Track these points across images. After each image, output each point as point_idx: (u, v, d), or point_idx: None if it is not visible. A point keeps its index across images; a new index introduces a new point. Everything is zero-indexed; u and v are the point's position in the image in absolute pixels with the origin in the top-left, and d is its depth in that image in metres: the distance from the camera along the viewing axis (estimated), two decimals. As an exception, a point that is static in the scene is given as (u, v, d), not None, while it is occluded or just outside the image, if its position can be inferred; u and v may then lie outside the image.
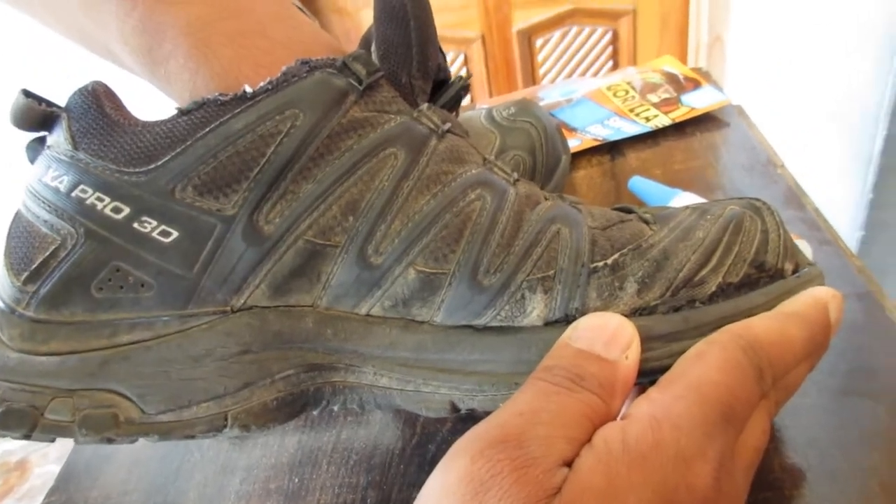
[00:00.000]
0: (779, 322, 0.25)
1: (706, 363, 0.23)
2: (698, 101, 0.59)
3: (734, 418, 0.22)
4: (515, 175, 0.29)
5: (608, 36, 1.54)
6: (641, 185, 0.49)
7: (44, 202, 0.25)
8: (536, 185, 0.48)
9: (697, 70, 0.65)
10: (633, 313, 0.25)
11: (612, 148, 0.57)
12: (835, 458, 0.29)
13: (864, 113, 0.89)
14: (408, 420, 0.36)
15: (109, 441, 0.25)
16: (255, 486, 0.35)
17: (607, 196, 0.52)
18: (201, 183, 0.24)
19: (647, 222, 0.28)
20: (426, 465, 0.34)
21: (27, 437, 0.25)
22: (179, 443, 0.39)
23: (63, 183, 0.25)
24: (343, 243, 0.25)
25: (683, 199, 0.45)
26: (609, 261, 0.26)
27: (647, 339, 0.25)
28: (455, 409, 0.26)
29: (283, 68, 0.25)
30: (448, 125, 0.28)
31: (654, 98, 0.61)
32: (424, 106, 0.27)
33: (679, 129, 0.57)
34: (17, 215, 0.26)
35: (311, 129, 0.25)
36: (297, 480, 0.35)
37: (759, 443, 0.23)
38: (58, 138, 0.25)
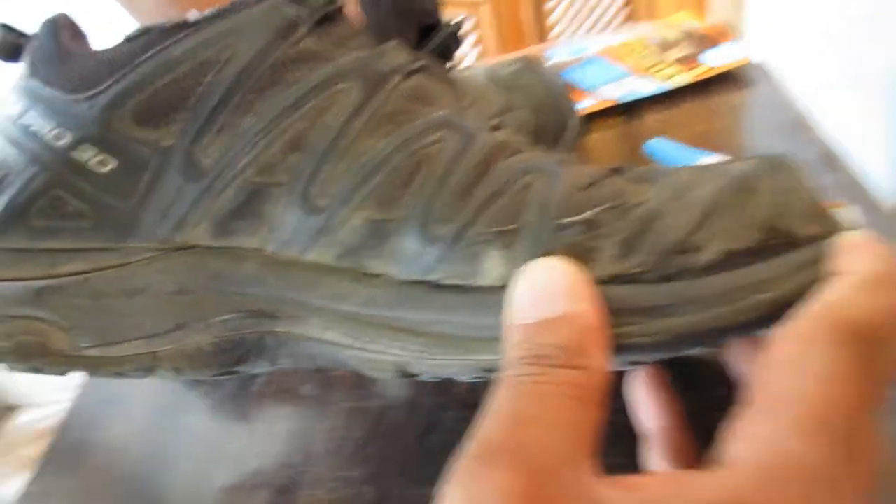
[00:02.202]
0: (861, 290, 0.20)
1: (808, 374, 0.18)
2: (719, 59, 0.54)
3: (859, 439, 0.17)
4: (495, 122, 0.25)
5: (622, -2, 1.47)
6: (660, 148, 0.45)
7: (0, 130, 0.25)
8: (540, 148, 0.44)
9: (718, 26, 0.60)
10: (611, 280, 0.22)
11: (628, 109, 0.53)
12: None
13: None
14: (408, 406, 0.33)
15: (37, 370, 0.25)
16: (243, 479, 0.32)
17: (622, 161, 0.47)
18: (139, 111, 0.24)
19: (635, 181, 0.24)
20: (428, 457, 0.31)
21: None
22: (163, 428, 0.37)
23: (15, 110, 0.25)
24: (286, 183, 0.24)
25: (706, 162, 0.41)
26: (583, 216, 0.22)
27: (626, 312, 0.21)
28: (404, 372, 0.24)
29: None
30: (419, 64, 0.24)
31: (672, 55, 0.56)
32: (391, 43, 0.24)
33: (699, 88, 0.53)
34: None
35: (252, 58, 0.24)
36: (288, 473, 0.32)
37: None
38: (21, 67, 0.26)
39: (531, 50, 0.66)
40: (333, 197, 0.24)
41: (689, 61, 0.55)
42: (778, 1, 1.12)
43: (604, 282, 0.21)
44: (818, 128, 0.46)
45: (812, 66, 0.82)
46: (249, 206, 0.24)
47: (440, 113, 0.25)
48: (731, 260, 0.22)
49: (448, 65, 0.32)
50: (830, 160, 0.43)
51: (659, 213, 0.22)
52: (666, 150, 0.44)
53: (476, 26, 1.52)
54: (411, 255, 0.23)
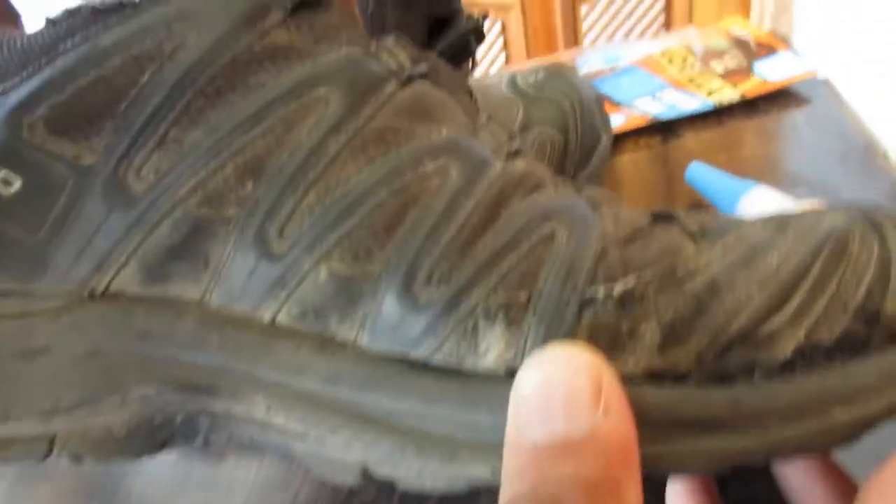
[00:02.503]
0: None
1: None
2: (774, 72, 0.48)
3: None
4: (516, 145, 0.20)
5: (660, 4, 1.41)
6: (702, 174, 0.39)
7: None
8: (568, 170, 0.38)
9: (773, 34, 0.53)
10: (650, 379, 0.16)
11: (666, 127, 0.46)
12: None
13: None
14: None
15: None
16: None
17: (656, 188, 0.41)
18: (54, 117, 0.18)
19: (692, 235, 0.18)
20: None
21: None
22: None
23: None
24: (237, 218, 0.19)
25: (759, 194, 0.35)
26: (619, 288, 0.17)
27: (669, 424, 0.16)
28: (368, 476, 0.18)
29: None
30: (421, 67, 0.19)
31: (718, 67, 0.50)
32: (388, 38, 0.18)
33: (750, 106, 0.47)
34: None
35: (205, 52, 0.18)
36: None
37: None
38: None
39: (560, 56, 0.61)
40: (296, 240, 0.18)
41: (738, 74, 0.49)
42: (831, 7, 1.04)
43: (641, 381, 0.16)
44: (889, 157, 0.40)
45: (873, 83, 0.75)
46: (190, 246, 0.19)
47: (444, 134, 0.19)
48: (815, 356, 0.16)
49: (466, 69, 0.27)
50: (906, 196, 0.36)
51: (722, 286, 0.16)
52: (708, 179, 0.38)
53: (502, 31, 1.47)
54: (390, 322, 0.18)
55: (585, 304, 0.17)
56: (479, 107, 0.22)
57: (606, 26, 1.44)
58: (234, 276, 0.19)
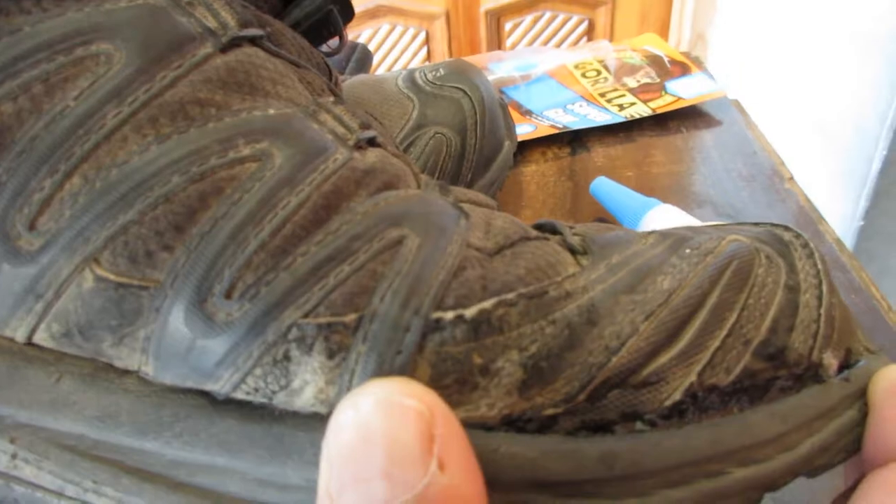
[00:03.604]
0: None
1: None
2: (686, 91, 0.47)
3: None
4: (371, 134, 0.16)
5: (583, 25, 1.42)
6: (607, 189, 0.37)
7: None
8: (465, 176, 0.35)
9: (687, 54, 0.52)
10: (505, 426, 0.13)
11: (574, 139, 0.44)
12: None
13: (861, 130, 0.78)
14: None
15: None
16: None
17: (562, 201, 0.39)
18: None
19: (573, 251, 0.15)
20: None
21: None
22: None
23: None
24: None
25: (664, 213, 0.33)
26: (473, 311, 0.13)
27: (527, 486, 0.12)
28: None
29: None
30: (254, 31, 0.16)
31: (631, 82, 0.49)
32: None
33: (660, 122, 0.45)
34: None
35: None
36: None
37: None
38: None
39: (473, 60, 0.58)
40: (53, 236, 0.14)
41: (650, 90, 0.47)
42: (740, 50, 1.07)
43: (493, 427, 0.13)
44: (795, 181, 0.39)
45: (768, 120, 0.76)
46: None
47: (270, 112, 0.15)
48: (708, 402, 0.13)
49: (336, 47, 0.23)
50: (809, 222, 0.35)
51: (601, 314, 0.13)
52: (612, 194, 0.36)
53: (426, 41, 1.44)
54: (178, 347, 0.14)
55: (430, 329, 0.13)
56: (335, 89, 0.18)
57: (531, 42, 1.45)
58: None
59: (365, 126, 0.17)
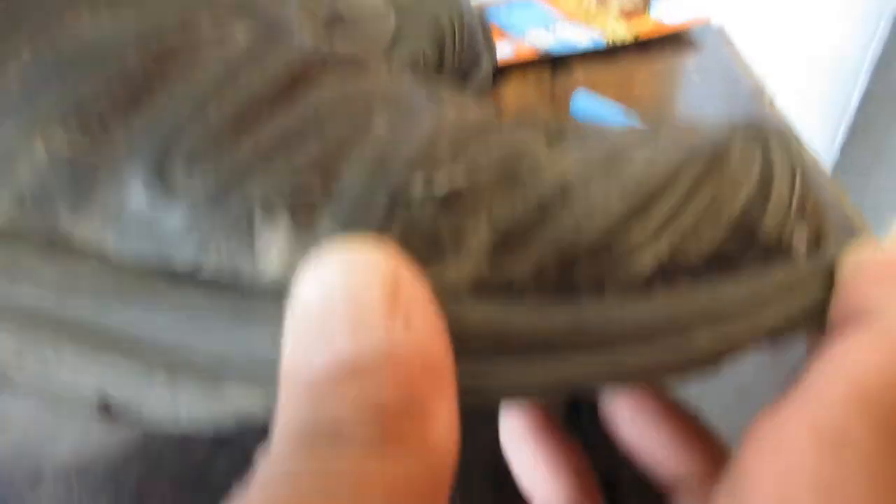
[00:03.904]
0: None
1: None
2: (670, 16, 0.46)
3: None
4: (339, 26, 0.16)
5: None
6: (588, 105, 0.36)
7: None
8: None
9: (672, -23, 0.51)
10: (474, 291, 0.13)
11: (556, 61, 0.44)
12: None
13: (844, 61, 0.78)
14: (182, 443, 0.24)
15: None
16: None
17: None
18: None
19: (548, 136, 0.15)
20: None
21: None
22: None
23: None
24: None
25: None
26: (442, 181, 0.13)
27: (494, 346, 0.12)
28: (106, 404, 0.14)
29: None
30: None
31: (615, 4, 0.48)
32: None
33: (642, 47, 0.44)
34: None
35: None
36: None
37: None
38: None
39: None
40: (4, 109, 0.13)
41: (634, 14, 0.46)
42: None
43: (462, 292, 0.12)
44: (775, 104, 0.38)
45: (767, 34, 0.75)
46: None
47: None
48: (681, 273, 0.13)
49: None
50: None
51: (574, 191, 0.13)
52: (592, 107, 0.36)
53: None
54: (140, 216, 0.13)
55: (397, 202, 0.13)
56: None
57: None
58: None
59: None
